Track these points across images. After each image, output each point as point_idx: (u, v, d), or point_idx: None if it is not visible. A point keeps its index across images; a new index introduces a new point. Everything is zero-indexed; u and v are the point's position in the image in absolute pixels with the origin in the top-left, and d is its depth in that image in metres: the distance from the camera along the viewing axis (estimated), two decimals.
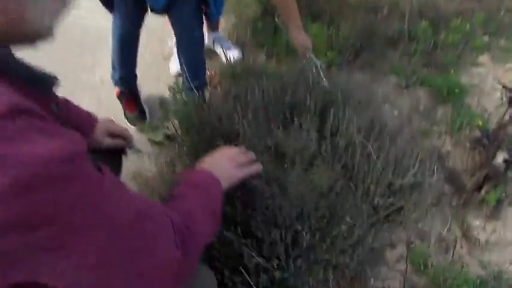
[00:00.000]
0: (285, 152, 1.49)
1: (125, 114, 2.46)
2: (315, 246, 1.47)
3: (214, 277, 1.18)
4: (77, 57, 2.95)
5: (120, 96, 2.41)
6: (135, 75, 2.41)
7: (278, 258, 1.44)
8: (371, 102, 2.01)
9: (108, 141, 1.31)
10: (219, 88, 2.60)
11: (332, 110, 1.70)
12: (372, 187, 1.57)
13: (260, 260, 1.40)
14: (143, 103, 2.48)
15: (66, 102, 1.19)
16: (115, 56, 2.28)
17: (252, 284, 1.39)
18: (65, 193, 0.51)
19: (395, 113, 2.17)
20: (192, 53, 2.18)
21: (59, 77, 0.70)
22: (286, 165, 1.49)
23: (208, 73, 2.72)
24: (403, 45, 2.50)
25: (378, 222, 1.56)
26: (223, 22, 3.08)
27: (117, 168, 1.44)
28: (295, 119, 1.67)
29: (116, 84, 2.38)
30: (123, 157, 1.49)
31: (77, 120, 1.21)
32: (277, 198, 1.44)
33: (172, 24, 2.10)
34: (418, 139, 1.98)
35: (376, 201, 1.49)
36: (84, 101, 2.63)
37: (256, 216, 1.42)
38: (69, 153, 0.52)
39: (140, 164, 2.11)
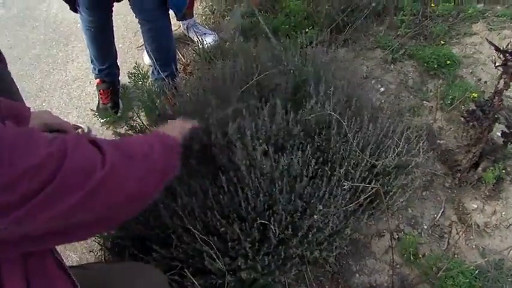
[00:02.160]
0: (252, 134, 1.31)
1: (97, 106, 2.34)
2: (286, 241, 1.29)
3: (165, 277, 1.12)
4: (48, 53, 2.80)
5: (98, 86, 2.33)
6: (117, 68, 2.34)
7: (245, 256, 1.27)
8: (352, 78, 1.83)
9: None
10: (193, 75, 2.43)
11: (304, 89, 1.52)
12: (351, 170, 1.39)
13: (223, 260, 1.22)
14: (120, 98, 2.36)
15: None
16: (90, 49, 2.24)
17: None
18: None
19: (382, 89, 1.98)
20: (159, 43, 2.06)
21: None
22: (253, 148, 1.31)
23: (183, 60, 2.56)
24: (388, 19, 2.31)
25: (359, 209, 1.38)
26: (200, 8, 2.91)
27: None
28: (265, 99, 1.49)
29: (96, 76, 2.32)
30: None
31: (8, 110, 1.06)
32: (240, 185, 1.27)
33: (136, 14, 2.01)
34: (406, 116, 1.79)
35: (351, 184, 1.29)
36: (55, 97, 2.49)
37: (215, 209, 1.25)
38: None
39: None
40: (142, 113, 1.90)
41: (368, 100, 1.72)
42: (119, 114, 2.31)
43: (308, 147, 1.35)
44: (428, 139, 1.72)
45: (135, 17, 2.04)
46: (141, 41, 2.80)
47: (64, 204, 0.62)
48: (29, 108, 1.16)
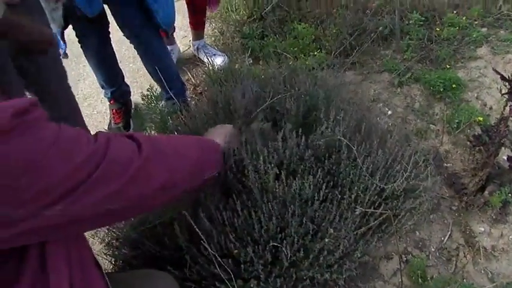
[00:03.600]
0: (264, 159, 1.35)
1: (109, 126, 2.40)
2: (297, 263, 1.32)
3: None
4: None
5: (111, 105, 2.38)
6: (128, 90, 2.38)
7: (258, 277, 1.30)
8: (361, 102, 1.87)
9: None
10: (204, 96, 2.48)
11: (315, 113, 1.56)
12: (361, 194, 1.42)
13: (236, 281, 1.25)
14: (132, 117, 2.41)
15: None
16: (97, 76, 2.29)
17: None
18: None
19: (389, 112, 2.03)
20: (156, 63, 2.09)
21: None
22: (265, 171, 1.35)
23: (192, 81, 2.62)
24: (395, 42, 2.36)
25: (369, 232, 1.41)
26: (209, 29, 2.98)
27: None
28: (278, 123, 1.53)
29: (109, 99, 2.37)
30: None
31: None
32: (253, 209, 1.31)
33: (128, 38, 2.04)
34: (413, 140, 1.83)
35: (362, 210, 1.33)
36: None
37: (229, 231, 1.28)
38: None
39: None
40: (154, 132, 1.95)
41: (377, 124, 1.76)
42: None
43: (319, 171, 1.39)
44: (435, 162, 1.76)
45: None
46: None
47: (108, 189, 0.72)
48: None
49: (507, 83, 1.47)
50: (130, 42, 2.06)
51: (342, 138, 1.42)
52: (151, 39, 2.02)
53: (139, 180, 0.78)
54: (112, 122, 2.39)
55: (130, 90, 2.40)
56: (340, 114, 1.50)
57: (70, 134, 0.69)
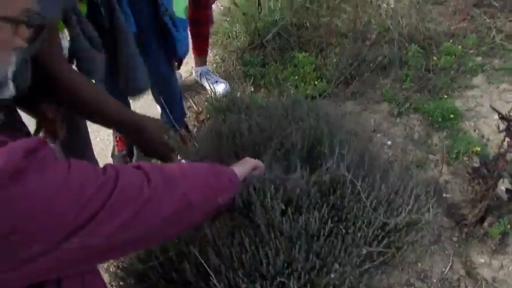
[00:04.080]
0: (271, 195, 1.39)
1: (112, 153, 2.42)
2: None
3: None
4: None
5: (115, 133, 2.39)
6: None
7: None
8: (362, 133, 1.92)
9: None
10: (206, 124, 2.53)
11: (319, 147, 1.61)
12: (364, 228, 1.45)
13: None
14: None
15: None
16: None
17: None
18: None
19: (389, 142, 2.08)
20: (162, 89, 2.12)
21: None
22: (272, 207, 1.39)
23: (195, 108, 2.67)
24: (393, 72, 2.43)
25: (372, 266, 1.44)
26: (210, 55, 3.03)
27: None
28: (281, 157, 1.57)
29: None
30: None
31: None
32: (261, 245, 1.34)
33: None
34: (413, 171, 1.88)
35: (367, 245, 1.37)
36: None
37: (237, 268, 1.31)
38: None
39: None
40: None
41: (378, 156, 1.81)
42: (133, 161, 2.38)
43: (324, 206, 1.43)
44: (434, 193, 1.80)
45: None
46: None
47: (121, 218, 0.74)
48: None
49: (503, 117, 1.52)
50: None
51: (347, 174, 1.46)
52: (160, 64, 2.03)
53: (151, 207, 0.80)
54: (115, 149, 2.42)
55: None
56: (344, 149, 1.54)
57: (80, 168, 0.72)
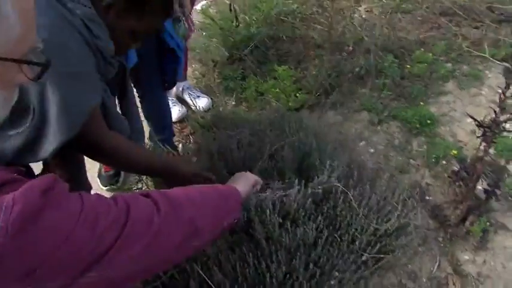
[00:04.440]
0: (270, 210, 1.44)
1: (99, 173, 2.41)
2: None
3: None
4: None
5: None
6: None
7: None
8: (346, 143, 2.00)
9: None
10: (190, 138, 2.56)
11: (309, 160, 1.68)
12: (358, 235, 1.53)
13: None
14: None
15: None
16: None
17: None
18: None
19: (371, 150, 2.17)
20: (154, 111, 2.16)
21: None
22: (270, 220, 1.44)
23: (178, 124, 2.69)
24: (371, 81, 2.53)
25: (367, 270, 1.51)
26: (190, 70, 3.07)
27: None
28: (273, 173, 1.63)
29: None
30: None
31: None
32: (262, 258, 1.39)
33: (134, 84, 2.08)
34: (397, 176, 1.97)
35: (361, 250, 1.44)
36: None
37: (241, 282, 1.36)
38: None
39: None
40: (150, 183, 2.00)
41: (364, 165, 1.89)
42: (119, 184, 2.37)
43: (319, 217, 1.49)
44: (418, 196, 1.89)
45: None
46: None
47: (134, 250, 0.76)
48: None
49: (479, 124, 1.63)
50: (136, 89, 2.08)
51: (339, 185, 1.54)
52: (157, 87, 2.08)
53: (162, 236, 0.82)
54: (102, 169, 2.41)
55: None
56: (334, 162, 1.61)
57: (92, 203, 0.74)
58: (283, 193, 1.50)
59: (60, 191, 0.70)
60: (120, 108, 1.51)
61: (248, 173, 1.37)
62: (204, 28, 3.37)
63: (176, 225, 0.87)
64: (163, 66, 1.94)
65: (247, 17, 3.18)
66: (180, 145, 2.48)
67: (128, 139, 1.35)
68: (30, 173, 1.04)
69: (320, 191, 1.55)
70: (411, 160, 2.13)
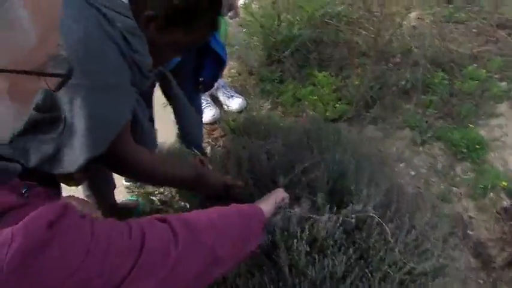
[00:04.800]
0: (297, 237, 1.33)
1: None
2: None
3: None
4: None
5: None
6: None
7: None
8: (386, 163, 1.86)
9: None
10: (220, 141, 2.46)
11: (344, 182, 1.55)
12: (391, 273, 1.39)
13: None
14: None
15: None
16: None
17: None
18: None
19: (412, 173, 2.01)
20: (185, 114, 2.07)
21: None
22: (296, 248, 1.33)
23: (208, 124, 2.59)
24: (416, 96, 2.36)
25: None
26: (227, 67, 2.97)
27: None
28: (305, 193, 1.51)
29: None
30: None
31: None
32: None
33: None
34: (438, 207, 1.81)
35: None
36: None
37: None
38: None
39: None
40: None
41: (404, 190, 1.74)
42: None
43: (351, 250, 1.36)
44: (460, 231, 1.73)
45: None
46: None
47: (150, 282, 0.70)
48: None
49: None
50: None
51: (375, 215, 1.40)
52: (191, 89, 1.97)
53: (181, 267, 0.76)
54: None
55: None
56: (371, 188, 1.48)
57: (104, 231, 0.69)
58: (313, 216, 1.39)
59: (69, 221, 0.64)
60: (174, 113, 1.49)
61: (279, 190, 1.29)
62: (244, 25, 3.26)
63: (195, 254, 0.81)
64: (202, 68, 1.84)
65: (290, 17, 3.04)
66: (209, 148, 2.39)
67: (154, 154, 1.28)
68: (49, 182, 1.02)
69: (353, 220, 1.42)
70: (454, 188, 1.96)
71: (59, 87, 0.65)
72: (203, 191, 1.43)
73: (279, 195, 1.25)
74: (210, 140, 2.49)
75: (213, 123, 2.56)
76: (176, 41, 1.06)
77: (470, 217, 1.86)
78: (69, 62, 0.64)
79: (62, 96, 0.96)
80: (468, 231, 1.81)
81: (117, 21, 0.95)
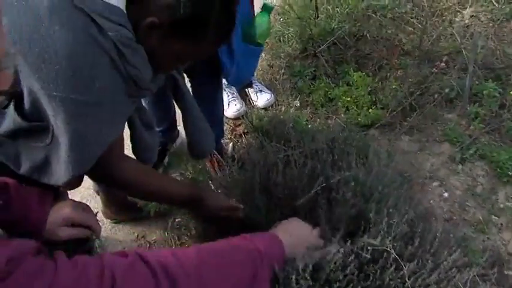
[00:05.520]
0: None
1: None
2: None
3: None
4: None
5: None
6: (173, 131, 2.22)
7: None
8: (415, 178, 1.67)
9: (65, 233, 1.07)
10: (244, 138, 2.33)
11: (364, 205, 1.39)
12: None
13: None
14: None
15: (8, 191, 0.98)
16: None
17: None
18: None
19: (445, 194, 1.81)
20: (208, 105, 1.93)
21: None
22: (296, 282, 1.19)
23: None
24: (461, 106, 2.12)
25: None
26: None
27: None
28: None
29: None
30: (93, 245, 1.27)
31: (22, 212, 1.01)
32: None
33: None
34: (471, 238, 1.61)
35: None
36: None
37: None
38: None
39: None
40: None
41: (434, 220, 1.56)
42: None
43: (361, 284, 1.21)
44: (495, 271, 1.53)
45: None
46: None
47: None
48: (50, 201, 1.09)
49: None
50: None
51: (392, 252, 1.24)
52: (212, 81, 1.87)
53: None
54: None
55: (178, 135, 2.24)
56: (394, 217, 1.31)
57: (68, 278, 0.62)
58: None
59: (30, 266, 0.60)
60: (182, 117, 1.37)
61: (304, 226, 1.21)
62: (281, 13, 3.08)
63: None
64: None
65: (330, 8, 2.83)
66: (231, 145, 2.27)
67: (147, 167, 1.20)
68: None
69: (368, 253, 1.26)
70: (494, 217, 1.74)
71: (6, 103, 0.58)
72: (198, 213, 1.32)
73: (310, 238, 1.16)
74: (232, 137, 2.36)
75: (237, 118, 2.43)
76: (181, 52, 0.94)
77: (509, 254, 1.64)
78: (16, 74, 0.56)
79: (47, 107, 0.87)
80: (505, 272, 1.60)
81: (109, 31, 0.82)
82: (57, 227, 1.04)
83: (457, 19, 2.80)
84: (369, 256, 1.25)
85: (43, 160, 0.98)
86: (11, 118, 0.94)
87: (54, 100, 0.83)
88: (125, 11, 0.85)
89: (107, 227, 1.91)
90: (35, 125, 0.93)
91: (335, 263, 1.25)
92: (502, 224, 1.72)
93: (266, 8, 1.70)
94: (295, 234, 1.12)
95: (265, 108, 2.47)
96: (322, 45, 2.62)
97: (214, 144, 1.55)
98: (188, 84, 1.74)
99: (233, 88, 2.49)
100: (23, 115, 0.93)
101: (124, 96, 0.96)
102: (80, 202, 1.16)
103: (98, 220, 1.16)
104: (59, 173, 0.97)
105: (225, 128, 2.31)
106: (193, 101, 1.39)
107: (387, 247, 1.25)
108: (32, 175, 1.01)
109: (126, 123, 1.12)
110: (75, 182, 1.21)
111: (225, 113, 2.36)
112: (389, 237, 1.27)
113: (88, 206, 1.14)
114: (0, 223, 0.99)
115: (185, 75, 1.81)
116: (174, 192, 1.22)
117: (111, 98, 0.92)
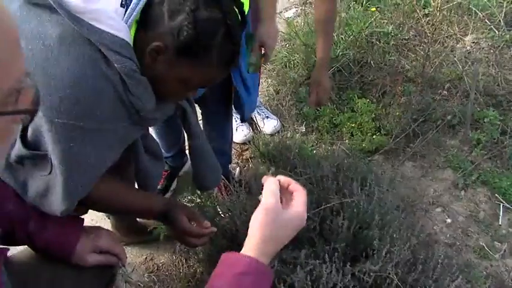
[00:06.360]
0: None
1: None
2: None
3: None
4: None
5: None
6: (183, 157, 2.25)
7: None
8: (419, 207, 1.70)
9: (92, 259, 1.12)
10: (250, 163, 2.38)
11: (367, 231, 1.42)
12: None
13: None
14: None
15: (39, 230, 1.04)
16: (155, 136, 2.17)
17: None
18: None
19: (448, 220, 1.84)
20: (217, 133, 1.98)
21: None
22: None
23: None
24: (463, 133, 2.16)
25: None
26: (265, 84, 2.89)
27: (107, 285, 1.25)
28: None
29: None
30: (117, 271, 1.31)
31: (51, 245, 1.06)
32: None
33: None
34: (473, 264, 1.63)
35: None
36: None
37: None
38: None
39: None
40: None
41: (436, 245, 1.59)
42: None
43: None
44: None
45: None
46: None
47: None
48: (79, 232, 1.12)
49: None
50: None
51: (394, 278, 1.27)
52: (223, 111, 1.90)
53: None
54: None
55: (187, 160, 2.26)
56: (396, 242, 1.35)
57: None
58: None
59: None
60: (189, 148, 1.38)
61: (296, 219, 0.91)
62: (287, 39, 3.16)
63: None
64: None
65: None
66: (238, 169, 2.32)
67: (121, 185, 1.18)
68: None
69: (369, 279, 1.30)
70: (496, 243, 1.77)
71: (29, 121, 0.58)
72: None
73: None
74: (239, 161, 2.41)
75: (244, 143, 2.49)
76: (187, 76, 0.97)
77: None
78: (36, 93, 0.56)
79: (46, 134, 0.91)
80: None
81: (116, 63, 0.88)
82: (86, 253, 1.10)
83: (458, 46, 2.86)
84: (370, 280, 1.29)
85: (45, 189, 1.00)
86: (18, 144, 0.97)
87: (55, 126, 0.88)
88: (131, 44, 0.90)
89: None
90: (35, 154, 0.97)
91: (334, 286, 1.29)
92: (505, 250, 1.74)
93: (246, 38, 1.58)
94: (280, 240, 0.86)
95: (270, 135, 2.52)
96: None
97: (220, 178, 1.56)
98: (199, 111, 1.81)
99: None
100: (25, 143, 0.97)
101: (126, 125, 1.00)
102: (108, 230, 1.21)
103: (124, 249, 1.20)
104: (57, 203, 1.00)
105: (232, 152, 2.36)
106: (202, 133, 1.40)
107: (389, 273, 1.28)
108: (35, 202, 1.03)
109: (129, 148, 1.12)
110: (81, 209, 1.25)
111: (233, 138, 2.41)
112: (392, 263, 1.31)
113: (115, 234, 1.19)
114: (36, 243, 1.05)
115: (196, 104, 1.87)
116: (144, 210, 1.25)
117: (111, 126, 0.96)
